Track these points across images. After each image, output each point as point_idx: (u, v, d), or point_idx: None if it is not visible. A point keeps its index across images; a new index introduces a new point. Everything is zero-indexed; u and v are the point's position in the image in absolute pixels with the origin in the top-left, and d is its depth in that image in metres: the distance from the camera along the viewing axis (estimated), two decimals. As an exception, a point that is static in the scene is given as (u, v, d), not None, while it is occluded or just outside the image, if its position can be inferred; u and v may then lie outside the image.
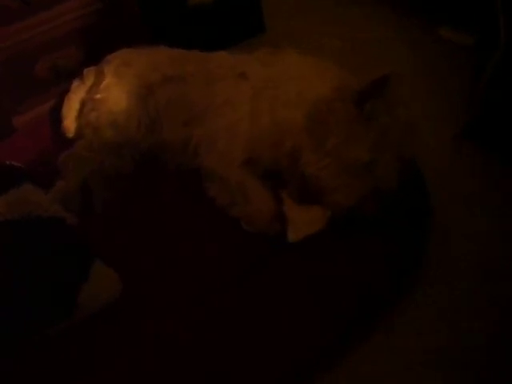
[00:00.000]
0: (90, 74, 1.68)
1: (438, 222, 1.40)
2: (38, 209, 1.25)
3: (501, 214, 1.42)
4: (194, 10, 1.97)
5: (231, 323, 1.20)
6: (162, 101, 1.53)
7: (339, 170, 1.25)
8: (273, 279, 1.27)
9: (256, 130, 1.39)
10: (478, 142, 1.56)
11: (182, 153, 1.51)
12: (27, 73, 1.73)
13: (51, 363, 1.18)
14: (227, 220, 1.39)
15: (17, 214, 1.23)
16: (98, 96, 1.57)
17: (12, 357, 1.18)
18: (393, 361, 1.18)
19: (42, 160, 1.60)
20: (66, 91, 1.69)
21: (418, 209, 1.37)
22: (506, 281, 1.28)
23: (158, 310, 1.24)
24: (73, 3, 1.72)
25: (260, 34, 2.07)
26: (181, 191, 1.49)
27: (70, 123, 1.66)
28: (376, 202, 1.24)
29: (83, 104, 1.63)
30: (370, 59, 1.87)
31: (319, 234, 1.30)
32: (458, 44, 1.91)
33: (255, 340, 1.17)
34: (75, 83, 1.69)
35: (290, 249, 1.30)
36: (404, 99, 1.69)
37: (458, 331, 1.21)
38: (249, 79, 1.45)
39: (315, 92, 1.32)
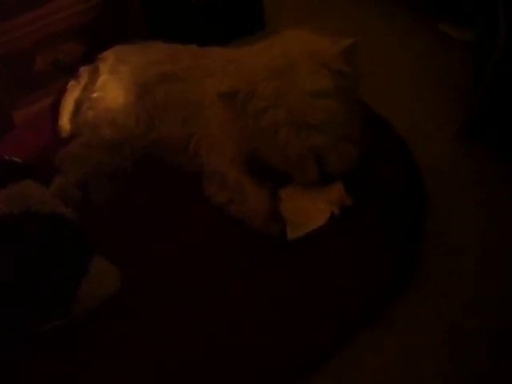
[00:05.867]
0: (84, 72, 1.68)
1: (438, 218, 1.39)
2: (37, 204, 1.25)
3: (501, 212, 1.41)
4: (195, 5, 1.96)
5: (233, 319, 1.20)
6: (159, 98, 1.53)
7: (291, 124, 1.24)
8: (273, 275, 1.27)
9: (249, 126, 1.36)
10: (480, 139, 1.56)
11: (182, 152, 1.51)
12: (27, 67, 1.73)
13: (50, 358, 1.18)
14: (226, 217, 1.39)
15: (16, 209, 1.22)
16: (95, 95, 1.58)
17: (11, 353, 1.18)
18: (392, 357, 1.18)
19: (42, 155, 1.60)
20: (65, 88, 1.70)
21: (414, 203, 1.37)
22: (506, 279, 1.28)
23: (158, 304, 1.24)
24: (74, -3, 1.72)
25: (260, 30, 2.07)
26: (181, 187, 1.49)
27: (64, 123, 1.67)
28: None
29: (79, 103, 1.64)
30: (370, 55, 1.87)
31: (318, 230, 1.30)
32: (458, 40, 1.91)
33: (256, 335, 1.17)
34: (71, 82, 1.69)
35: (289, 245, 1.30)
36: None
37: (458, 329, 1.20)
38: None
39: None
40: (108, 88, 1.57)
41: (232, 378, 1.12)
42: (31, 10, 1.67)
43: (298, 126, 1.23)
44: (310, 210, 1.32)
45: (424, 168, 1.46)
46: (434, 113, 1.68)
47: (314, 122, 1.22)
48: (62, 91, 1.72)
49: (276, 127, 1.24)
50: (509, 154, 1.50)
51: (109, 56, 1.62)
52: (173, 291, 1.27)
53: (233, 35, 1.97)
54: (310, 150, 1.25)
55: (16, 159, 1.51)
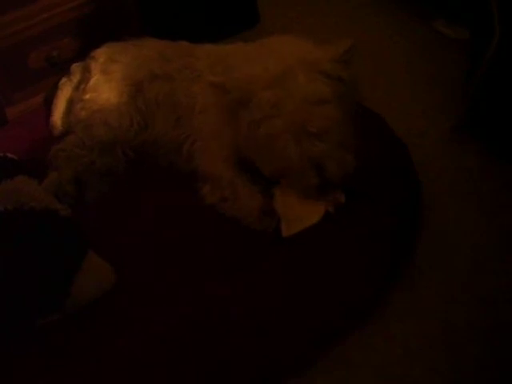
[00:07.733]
0: (76, 70, 1.67)
1: (432, 216, 1.40)
2: (31, 200, 1.25)
3: (495, 208, 1.42)
4: (189, 1, 1.96)
5: (230, 313, 1.19)
6: (151, 99, 1.52)
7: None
8: (272, 275, 1.26)
9: (243, 136, 1.33)
10: (474, 136, 1.57)
11: (176, 153, 1.51)
12: (21, 63, 1.72)
13: (43, 354, 1.17)
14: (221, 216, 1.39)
15: (10, 205, 1.22)
16: (87, 96, 1.57)
17: (6, 349, 1.18)
18: (384, 352, 1.19)
19: (36, 152, 1.59)
20: (57, 85, 1.69)
21: (409, 201, 1.37)
22: (502, 276, 1.29)
23: (152, 301, 1.24)
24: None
25: (254, 26, 2.07)
26: (174, 184, 1.48)
27: (56, 121, 1.66)
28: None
29: (71, 102, 1.63)
30: (363, 52, 1.87)
31: (313, 227, 1.30)
32: (450, 37, 1.92)
33: (255, 335, 1.17)
34: (62, 80, 1.68)
35: (287, 244, 1.30)
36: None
37: (451, 325, 1.21)
38: None
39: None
40: (100, 89, 1.56)
41: (231, 377, 1.12)
42: (25, 6, 1.67)
43: (297, 135, 1.20)
44: (304, 208, 1.31)
45: (419, 164, 1.47)
46: (429, 110, 1.69)
47: (314, 130, 1.19)
48: (53, 88, 1.71)
49: (274, 137, 1.21)
50: (503, 150, 1.51)
51: (100, 55, 1.61)
52: (167, 283, 1.27)
53: (226, 31, 1.97)
54: (310, 159, 1.22)
55: (10, 155, 1.50)
